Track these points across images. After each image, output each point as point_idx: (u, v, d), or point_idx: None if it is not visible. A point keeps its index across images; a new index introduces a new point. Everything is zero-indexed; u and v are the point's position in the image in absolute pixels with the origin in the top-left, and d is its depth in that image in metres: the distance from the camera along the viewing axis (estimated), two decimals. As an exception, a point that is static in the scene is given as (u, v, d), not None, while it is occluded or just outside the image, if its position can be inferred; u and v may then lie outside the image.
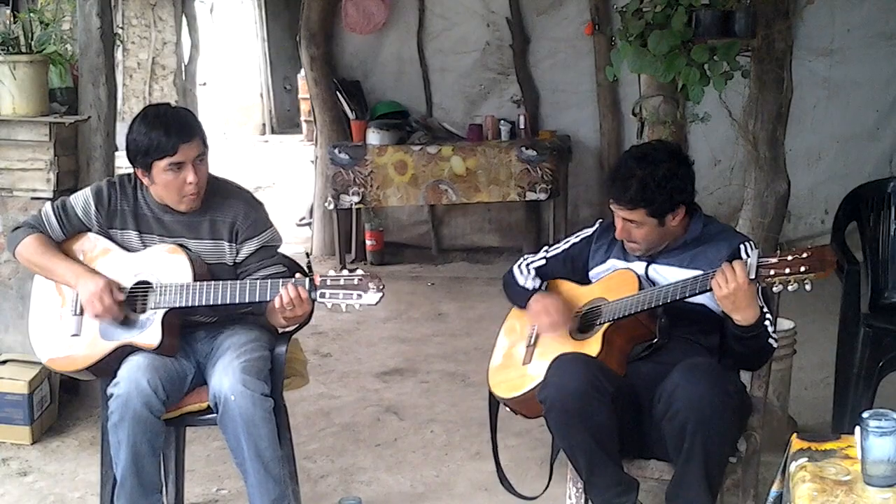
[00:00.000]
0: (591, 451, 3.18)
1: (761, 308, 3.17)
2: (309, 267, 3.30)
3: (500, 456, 3.78)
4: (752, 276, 3.03)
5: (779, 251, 3.03)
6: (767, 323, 3.21)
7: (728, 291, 3.06)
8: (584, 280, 3.55)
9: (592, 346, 3.29)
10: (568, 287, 3.55)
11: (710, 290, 3.11)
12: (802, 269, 2.94)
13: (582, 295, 3.47)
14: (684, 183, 3.34)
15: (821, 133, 7.14)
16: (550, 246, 3.71)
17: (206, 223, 3.53)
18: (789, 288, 2.99)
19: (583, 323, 3.41)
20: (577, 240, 3.63)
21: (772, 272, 3.00)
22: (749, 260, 3.05)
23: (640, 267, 3.41)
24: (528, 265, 3.66)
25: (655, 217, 3.31)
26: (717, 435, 3.08)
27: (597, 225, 3.63)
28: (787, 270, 2.96)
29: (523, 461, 4.24)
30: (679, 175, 3.32)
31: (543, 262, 3.65)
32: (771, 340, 3.25)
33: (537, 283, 3.59)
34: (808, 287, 2.96)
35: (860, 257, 4.38)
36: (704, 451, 3.07)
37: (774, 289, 3.03)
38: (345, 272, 3.28)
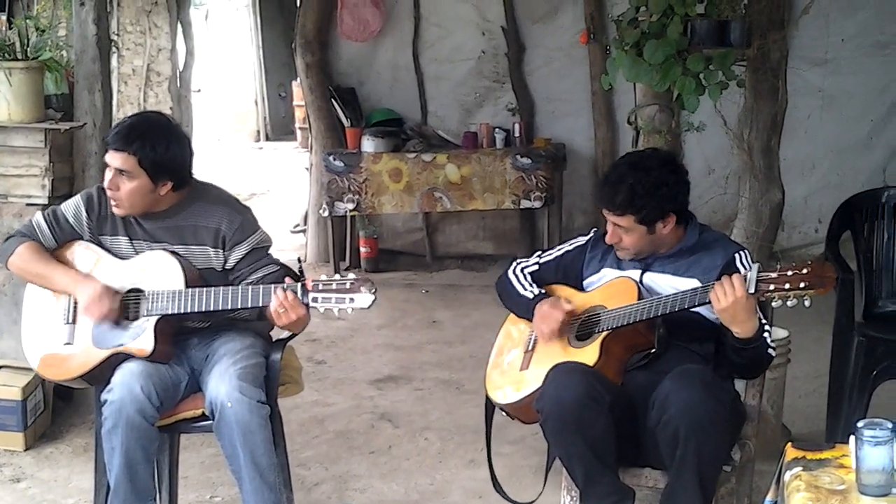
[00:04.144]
0: (588, 461, 3.17)
1: (760, 320, 3.16)
2: (301, 272, 3.29)
3: (493, 463, 3.77)
4: (752, 291, 3.02)
5: (778, 265, 3.02)
6: (766, 335, 3.20)
7: (727, 304, 3.05)
8: (578, 289, 3.53)
9: (590, 354, 3.28)
10: (567, 293, 3.51)
11: (709, 302, 3.11)
12: (802, 284, 2.95)
13: (581, 302, 3.45)
14: (674, 192, 3.33)
15: (815, 143, 7.16)
16: (543, 252, 3.70)
17: (189, 228, 3.52)
18: (788, 303, 2.99)
19: (581, 330, 3.39)
20: (571, 248, 3.61)
21: (771, 287, 3.00)
22: (749, 274, 3.04)
23: (635, 275, 3.39)
24: (522, 270, 3.63)
25: (644, 224, 3.31)
26: (711, 442, 3.08)
27: (591, 233, 3.61)
28: (787, 286, 2.96)
29: (517, 469, 4.24)
30: (669, 184, 3.31)
31: (536, 267, 3.63)
32: (770, 350, 3.24)
33: (536, 289, 3.53)
34: (807, 303, 2.97)
35: (854, 266, 4.40)
36: (698, 459, 3.06)
37: (774, 303, 3.03)
38: (336, 276, 3.29)
